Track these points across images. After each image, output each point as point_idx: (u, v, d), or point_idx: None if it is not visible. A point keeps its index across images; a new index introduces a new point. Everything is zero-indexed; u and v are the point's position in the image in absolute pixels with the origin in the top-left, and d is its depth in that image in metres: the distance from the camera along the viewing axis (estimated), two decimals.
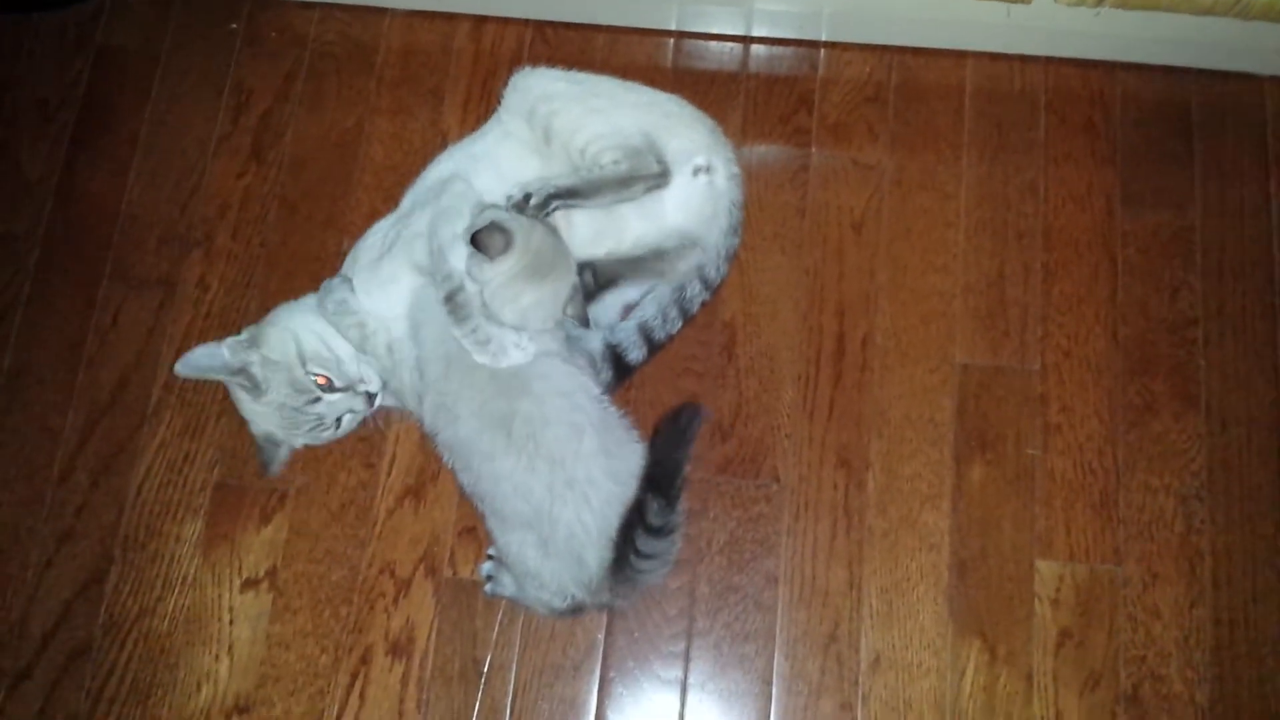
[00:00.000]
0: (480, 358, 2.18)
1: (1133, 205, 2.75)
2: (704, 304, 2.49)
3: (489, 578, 2.47)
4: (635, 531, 2.10)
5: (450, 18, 2.94)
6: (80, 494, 2.63)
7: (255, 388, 2.30)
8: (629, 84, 2.53)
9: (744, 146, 2.80)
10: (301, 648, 2.51)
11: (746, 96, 2.85)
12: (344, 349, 2.37)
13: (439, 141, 2.79)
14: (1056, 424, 2.61)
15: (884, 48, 2.89)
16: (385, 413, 2.50)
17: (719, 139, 2.51)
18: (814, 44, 2.89)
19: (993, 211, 2.75)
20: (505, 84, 2.51)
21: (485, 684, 2.47)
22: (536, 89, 2.47)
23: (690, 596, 2.51)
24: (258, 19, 2.98)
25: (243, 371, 2.30)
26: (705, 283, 2.46)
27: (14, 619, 2.55)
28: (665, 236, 2.41)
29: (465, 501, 2.52)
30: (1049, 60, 2.87)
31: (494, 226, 2.15)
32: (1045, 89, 2.85)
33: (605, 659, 2.49)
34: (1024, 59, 2.87)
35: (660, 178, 2.37)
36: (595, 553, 2.15)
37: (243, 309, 2.73)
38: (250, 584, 2.56)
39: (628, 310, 2.53)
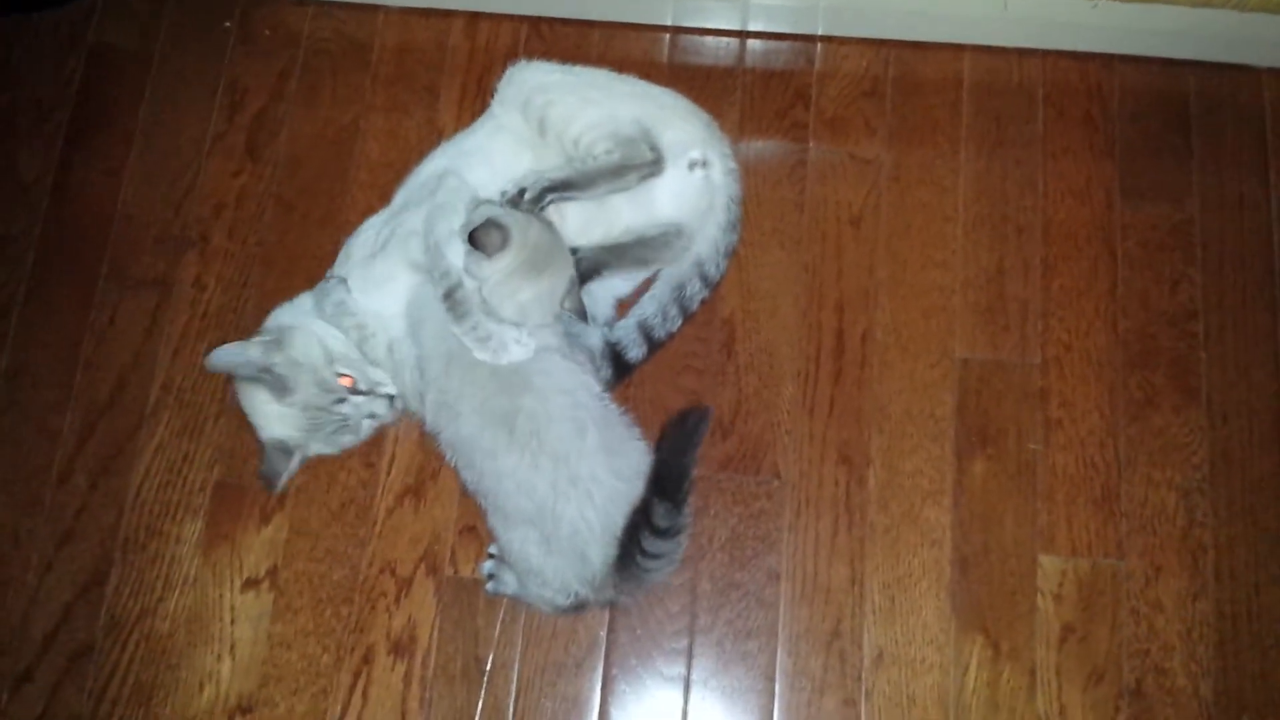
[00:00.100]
0: (481, 355, 2.18)
1: (1132, 198, 2.75)
2: (703, 301, 2.50)
3: (490, 576, 2.47)
4: (642, 533, 2.10)
5: (445, 14, 2.93)
6: (79, 495, 2.62)
7: (281, 387, 2.29)
8: (625, 76, 2.55)
9: (741, 142, 2.79)
10: (303, 647, 2.51)
11: (743, 92, 2.85)
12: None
13: (435, 138, 2.77)
14: (1057, 418, 2.61)
15: (881, 42, 2.88)
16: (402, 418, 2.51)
17: (715, 133, 2.52)
18: (810, 38, 2.89)
19: (991, 206, 2.75)
20: (500, 78, 2.51)
21: (488, 682, 2.47)
22: (532, 81, 2.48)
23: (692, 593, 2.51)
24: (251, 17, 2.97)
25: (269, 370, 2.29)
26: (704, 280, 2.46)
27: (15, 621, 2.54)
28: (654, 227, 2.41)
29: (466, 500, 2.52)
30: (1046, 53, 2.86)
31: (490, 223, 2.15)
32: (1043, 82, 2.85)
33: (608, 656, 2.49)
34: (1021, 52, 2.86)
35: (654, 165, 2.37)
36: (598, 549, 2.15)
37: (239, 308, 2.73)
38: (251, 584, 2.55)
39: (620, 305, 2.54)
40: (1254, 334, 2.66)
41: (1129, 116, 2.82)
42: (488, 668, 2.48)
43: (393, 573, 2.54)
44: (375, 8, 2.95)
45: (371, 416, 2.38)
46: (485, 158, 2.44)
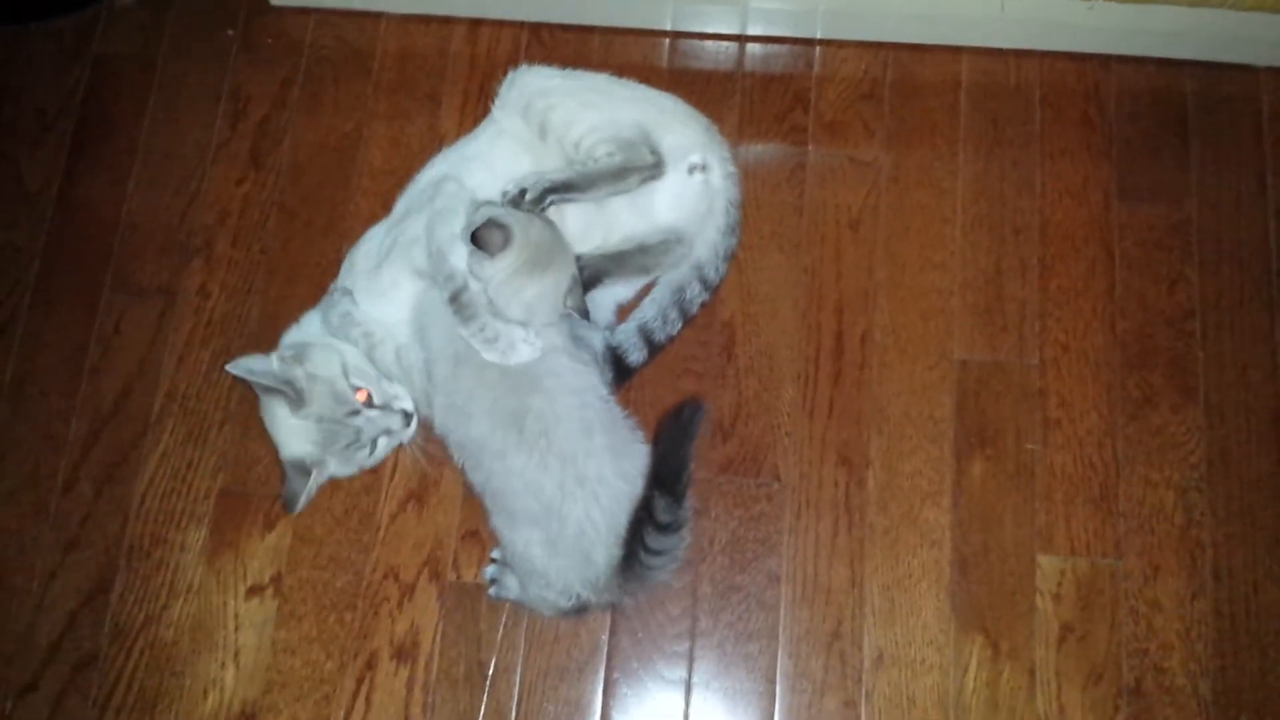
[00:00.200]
0: (489, 355, 2.19)
1: (1129, 198, 2.76)
2: (703, 304, 2.50)
3: (493, 581, 2.48)
4: (644, 529, 2.11)
5: (446, 21, 2.95)
6: (84, 503, 2.63)
7: (298, 399, 2.29)
8: (625, 81, 2.55)
9: (740, 145, 2.80)
10: (307, 654, 2.52)
11: (742, 95, 2.86)
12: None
13: (437, 145, 2.78)
14: (1056, 419, 2.61)
15: (879, 44, 2.89)
16: (425, 450, 2.49)
17: (714, 137, 2.52)
18: (809, 42, 2.90)
19: (989, 207, 2.76)
20: (501, 83, 2.52)
21: (490, 687, 2.48)
22: (533, 85, 2.48)
23: (693, 596, 2.52)
24: (254, 25, 2.99)
25: (289, 383, 2.30)
26: (704, 283, 2.47)
27: (20, 629, 2.56)
28: (653, 232, 2.43)
29: (468, 505, 2.54)
30: (1044, 54, 2.87)
31: (492, 223, 2.16)
32: (1040, 83, 2.85)
33: (609, 660, 2.49)
34: (1019, 53, 2.87)
35: (654, 169, 2.38)
36: (603, 550, 2.16)
37: (244, 315, 2.74)
38: (255, 591, 2.56)
39: (621, 309, 2.55)
40: (1251, 333, 2.66)
41: (1126, 117, 2.82)
42: (490, 672, 2.49)
43: (396, 578, 2.55)
44: (376, 15, 2.96)
45: (387, 433, 2.37)
46: (486, 162, 2.44)
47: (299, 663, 2.51)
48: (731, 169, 2.50)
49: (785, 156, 2.80)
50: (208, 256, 2.79)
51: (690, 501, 2.19)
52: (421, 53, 2.93)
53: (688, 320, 2.49)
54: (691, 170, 2.43)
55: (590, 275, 2.36)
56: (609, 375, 2.42)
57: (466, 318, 2.20)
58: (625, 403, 2.51)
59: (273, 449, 2.40)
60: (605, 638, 2.50)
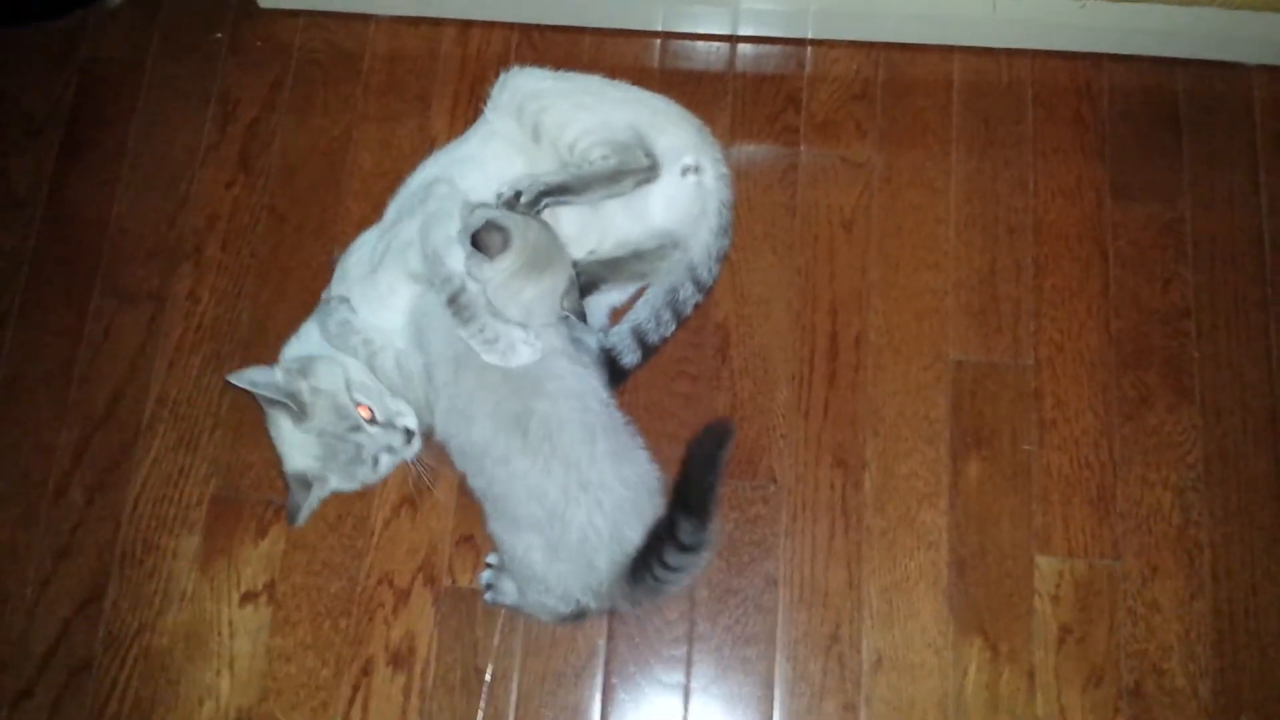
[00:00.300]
0: (489, 357, 2.17)
1: (1122, 198, 2.76)
2: (697, 306, 2.50)
3: (488, 586, 2.47)
4: (665, 546, 2.07)
5: (435, 23, 2.93)
6: (76, 510, 2.61)
7: (301, 412, 2.28)
8: (617, 82, 2.55)
9: (732, 146, 2.79)
10: (302, 660, 2.50)
11: (734, 96, 2.85)
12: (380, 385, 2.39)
13: (427, 147, 2.76)
14: (1051, 419, 2.61)
15: (870, 44, 2.89)
16: (431, 469, 2.49)
17: (707, 138, 2.52)
18: (800, 42, 2.89)
19: (983, 207, 2.75)
20: (493, 85, 2.51)
21: (487, 693, 2.47)
22: (526, 87, 2.47)
23: (690, 600, 2.51)
24: (242, 28, 2.97)
25: (292, 396, 2.28)
26: (697, 284, 2.47)
27: (14, 637, 2.54)
28: (647, 237, 2.43)
29: (462, 510, 2.54)
30: (1036, 53, 2.87)
31: (491, 225, 2.15)
32: (1032, 82, 2.85)
33: (607, 665, 2.49)
34: (1011, 53, 2.87)
35: (649, 171, 2.38)
36: (606, 557, 2.15)
37: (234, 320, 2.72)
38: (249, 597, 2.55)
39: (615, 312, 2.54)
40: (1246, 331, 2.66)
41: (1119, 115, 2.83)
42: (487, 678, 2.48)
43: (390, 584, 2.54)
44: (365, 17, 2.95)
45: (390, 451, 2.36)
46: (479, 164, 2.44)
47: (294, 670, 2.50)
48: (724, 170, 2.50)
49: (777, 157, 2.80)
50: (197, 260, 2.78)
51: (717, 524, 2.13)
52: (411, 55, 2.92)
53: (681, 322, 2.49)
54: (684, 172, 2.43)
55: (586, 282, 2.36)
56: (604, 378, 2.41)
57: (466, 319, 2.19)
58: (620, 406, 2.49)
59: (272, 458, 2.40)
60: (602, 643, 2.49)
